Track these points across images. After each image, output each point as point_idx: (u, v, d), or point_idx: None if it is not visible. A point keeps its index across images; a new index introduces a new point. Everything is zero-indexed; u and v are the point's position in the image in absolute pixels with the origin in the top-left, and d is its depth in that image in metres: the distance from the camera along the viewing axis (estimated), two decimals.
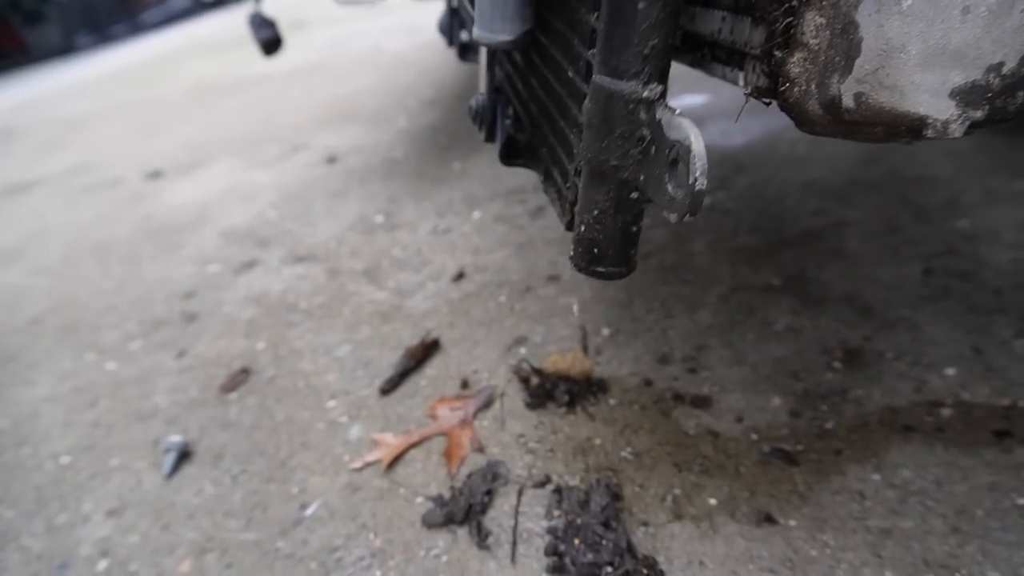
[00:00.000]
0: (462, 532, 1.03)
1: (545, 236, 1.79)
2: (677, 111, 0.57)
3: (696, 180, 0.52)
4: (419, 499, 1.10)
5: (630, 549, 0.93)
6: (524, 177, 2.17)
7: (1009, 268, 1.35)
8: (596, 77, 0.62)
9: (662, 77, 0.60)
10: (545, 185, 0.93)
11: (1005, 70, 0.58)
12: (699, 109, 2.40)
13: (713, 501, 1.00)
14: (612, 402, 1.21)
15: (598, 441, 1.14)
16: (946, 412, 1.07)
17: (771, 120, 2.22)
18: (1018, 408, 1.06)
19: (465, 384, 1.32)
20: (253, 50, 5.66)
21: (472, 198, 2.09)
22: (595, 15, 0.69)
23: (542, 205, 1.96)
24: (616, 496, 1.01)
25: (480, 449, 1.17)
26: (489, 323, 1.49)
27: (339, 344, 1.52)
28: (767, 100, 0.66)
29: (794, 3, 0.59)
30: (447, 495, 1.09)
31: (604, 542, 0.93)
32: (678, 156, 0.55)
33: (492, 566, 0.97)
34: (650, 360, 1.29)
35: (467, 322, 1.51)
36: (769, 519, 0.96)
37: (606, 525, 0.96)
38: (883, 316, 1.29)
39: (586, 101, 0.64)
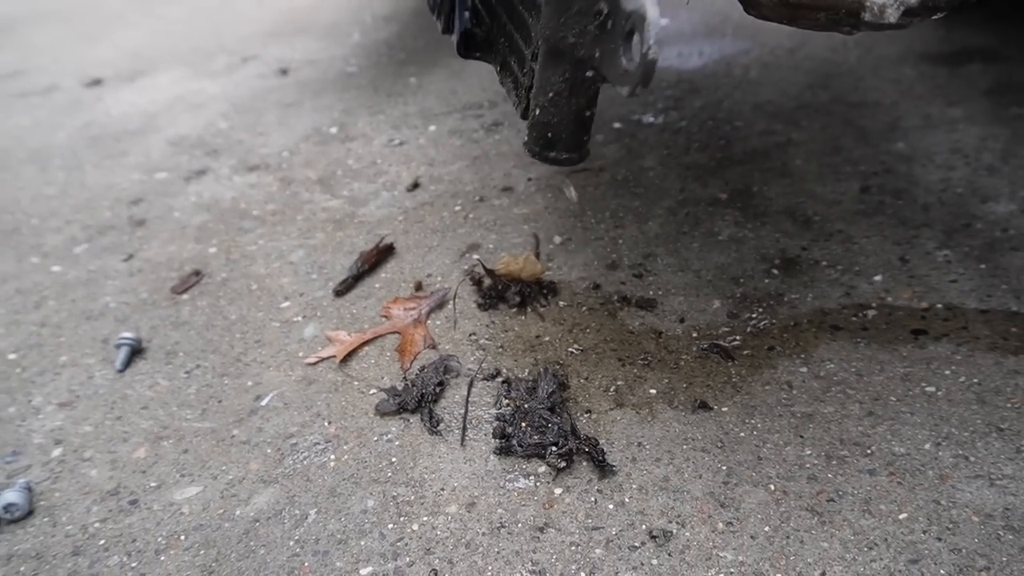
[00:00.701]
0: (414, 419, 1.07)
1: (500, 150, 1.79)
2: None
3: (650, 48, 0.54)
4: (372, 391, 1.13)
5: (574, 431, 0.99)
6: (480, 92, 2.15)
7: (938, 187, 1.43)
8: None
9: None
10: (501, 76, 0.94)
11: None
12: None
13: (653, 391, 1.07)
14: (562, 304, 1.26)
15: (547, 338, 1.19)
16: (871, 313, 1.15)
17: (727, 44, 2.24)
18: (934, 310, 1.14)
19: (419, 286, 1.35)
20: None
21: (428, 112, 2.07)
22: None
23: (498, 120, 1.95)
24: (562, 385, 1.06)
25: (432, 346, 1.20)
26: (443, 231, 1.50)
27: (293, 249, 1.52)
28: None
29: None
30: (400, 387, 1.13)
31: (550, 425, 0.99)
32: (633, 26, 0.57)
33: (442, 448, 1.02)
34: (599, 266, 1.33)
35: (421, 229, 1.52)
36: (704, 406, 1.03)
37: (552, 410, 1.01)
38: (820, 228, 1.36)
39: None
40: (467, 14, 0.98)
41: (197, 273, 1.47)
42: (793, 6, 0.64)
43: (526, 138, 0.74)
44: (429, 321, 1.26)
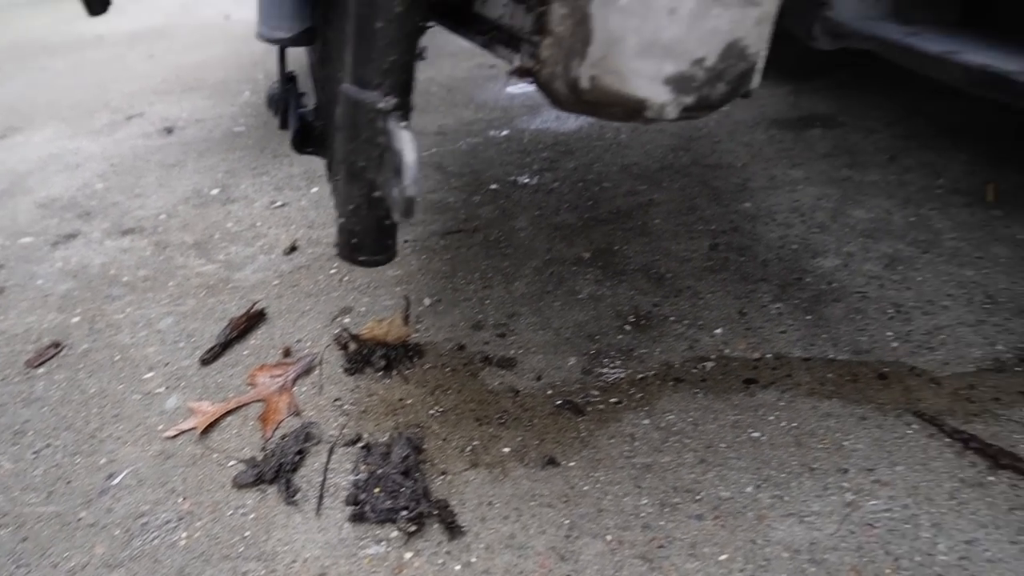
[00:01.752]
0: (272, 491, 1.07)
1: None
2: (403, 124, 0.65)
3: (407, 188, 0.60)
4: (232, 462, 1.13)
5: (426, 494, 1.01)
6: None
7: (776, 243, 1.56)
8: (344, 85, 0.68)
9: (403, 89, 0.67)
10: (328, 174, 0.99)
11: (707, 64, 0.70)
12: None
13: (507, 449, 1.11)
14: (427, 366, 1.29)
15: (409, 401, 1.22)
16: (709, 365, 1.25)
17: None
18: (765, 360, 1.25)
19: (287, 353, 1.36)
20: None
21: (312, 173, 2.10)
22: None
23: None
24: (417, 448, 1.09)
25: (297, 413, 1.21)
26: (317, 294, 1.52)
27: (161, 317, 1.50)
28: (528, 80, 0.75)
29: None
30: (260, 457, 1.13)
31: (402, 490, 1.01)
32: (399, 164, 0.62)
33: (298, 519, 1.02)
34: (465, 327, 1.38)
35: (295, 294, 1.53)
36: (552, 462, 1.08)
37: (405, 474, 1.04)
38: (672, 285, 1.46)
39: (338, 106, 0.71)
40: (305, 110, 1.03)
41: (56, 345, 1.42)
42: (588, 103, 0.72)
43: (335, 241, 0.79)
44: (296, 388, 1.27)
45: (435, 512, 0.99)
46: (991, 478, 1.00)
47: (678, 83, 0.68)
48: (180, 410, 1.24)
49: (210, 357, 1.35)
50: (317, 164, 2.15)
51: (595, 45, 0.65)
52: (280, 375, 1.29)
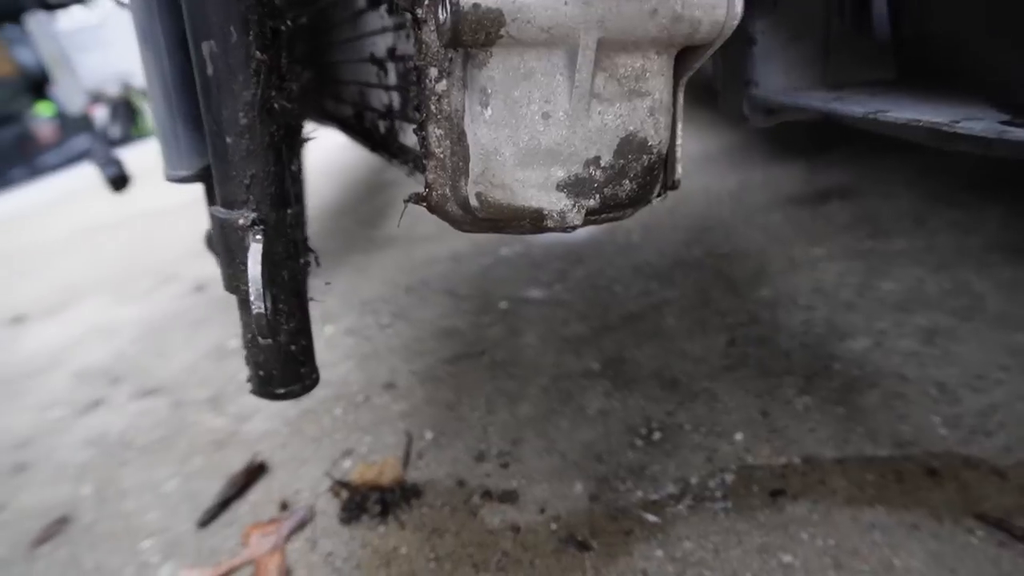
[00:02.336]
0: None
1: (390, 344, 1.81)
2: (256, 236, 0.62)
3: (252, 300, 0.55)
4: None
5: None
6: (381, 287, 2.21)
7: (800, 330, 1.44)
8: (211, 208, 0.66)
9: (274, 203, 0.65)
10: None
11: (604, 163, 0.65)
12: None
13: None
14: (424, 507, 1.20)
15: (404, 550, 1.12)
16: (729, 478, 1.11)
17: None
18: (792, 465, 1.11)
19: (284, 506, 1.29)
20: (152, 185, 5.70)
21: (328, 314, 2.11)
22: None
23: (395, 313, 1.99)
24: None
25: (287, 574, 1.13)
26: (320, 438, 1.47)
27: (168, 479, 1.47)
28: (423, 204, 0.71)
29: (423, 117, 0.65)
30: None
31: None
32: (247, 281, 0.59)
33: None
34: (467, 459, 1.29)
35: (299, 440, 1.49)
36: None
37: None
38: (687, 389, 1.35)
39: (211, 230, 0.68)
40: None
41: (62, 520, 1.40)
42: (485, 220, 0.67)
43: (248, 377, 0.74)
44: (290, 544, 1.20)
45: None
46: None
47: (575, 187, 0.63)
48: None
49: (207, 519, 1.30)
50: (333, 303, 2.18)
51: (475, 161, 0.62)
52: (272, 532, 1.22)
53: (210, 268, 2.87)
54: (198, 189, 0.90)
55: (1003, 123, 0.60)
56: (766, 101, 0.71)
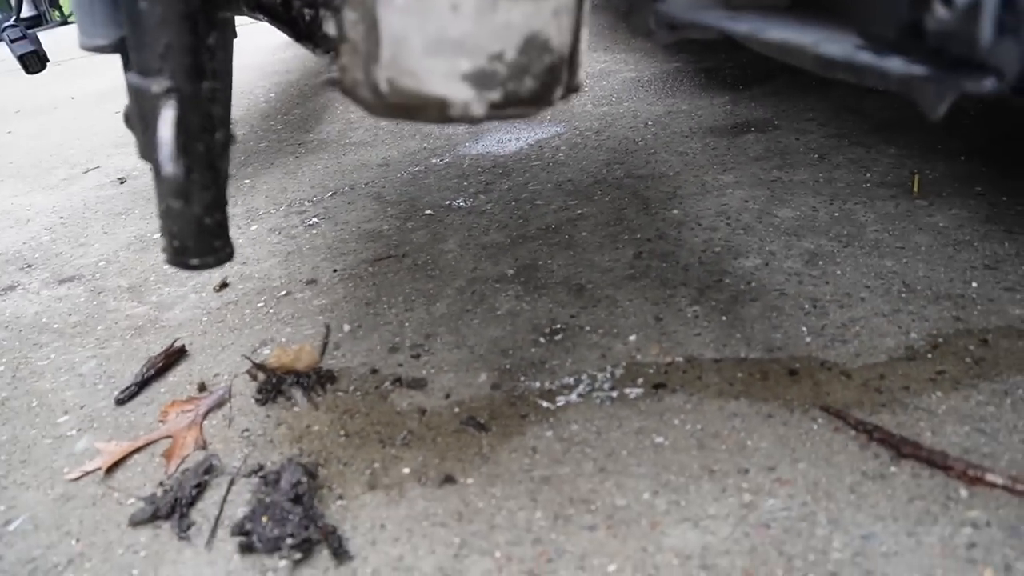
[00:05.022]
0: (167, 526, 1.05)
1: (314, 243, 1.84)
2: (169, 103, 0.64)
3: (162, 166, 0.59)
4: (131, 500, 1.11)
5: (314, 520, 0.99)
6: (309, 189, 2.21)
7: (701, 248, 1.55)
8: (127, 75, 0.68)
9: (187, 75, 0.67)
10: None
11: (508, 58, 0.69)
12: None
13: (406, 470, 1.09)
14: (339, 392, 1.28)
15: (316, 427, 1.20)
16: (619, 372, 1.22)
17: (543, 129, 2.40)
18: (676, 363, 1.23)
19: (202, 387, 1.34)
20: (72, 72, 5.35)
21: (254, 212, 2.11)
22: None
23: (320, 214, 2.01)
24: (311, 474, 1.07)
25: (203, 447, 1.19)
26: (241, 328, 1.52)
27: (85, 360, 1.49)
28: (336, 88, 0.75)
29: (339, 2, 0.68)
30: (159, 493, 1.11)
31: (290, 517, 0.99)
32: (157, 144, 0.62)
33: (188, 554, 1.00)
34: (381, 351, 1.37)
35: (220, 329, 1.53)
36: (450, 480, 1.06)
37: (295, 501, 1.02)
38: (591, 295, 1.45)
39: (128, 101, 0.71)
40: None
41: None
42: (396, 106, 0.72)
43: (163, 247, 0.78)
44: (207, 422, 1.26)
45: (322, 538, 0.96)
46: (893, 469, 0.97)
47: (478, 79, 0.68)
48: (89, 452, 1.23)
49: (125, 397, 1.34)
50: (260, 202, 2.17)
51: (385, 47, 0.66)
52: (191, 409, 1.28)
53: (133, 159, 2.78)
54: (121, 77, 0.90)
55: (857, 47, 0.68)
56: (670, 17, 0.76)
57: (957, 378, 1.10)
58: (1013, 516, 0.88)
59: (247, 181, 2.37)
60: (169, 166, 0.60)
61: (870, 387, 1.11)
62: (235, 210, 2.14)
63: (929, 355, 1.15)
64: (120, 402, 1.34)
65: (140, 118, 0.67)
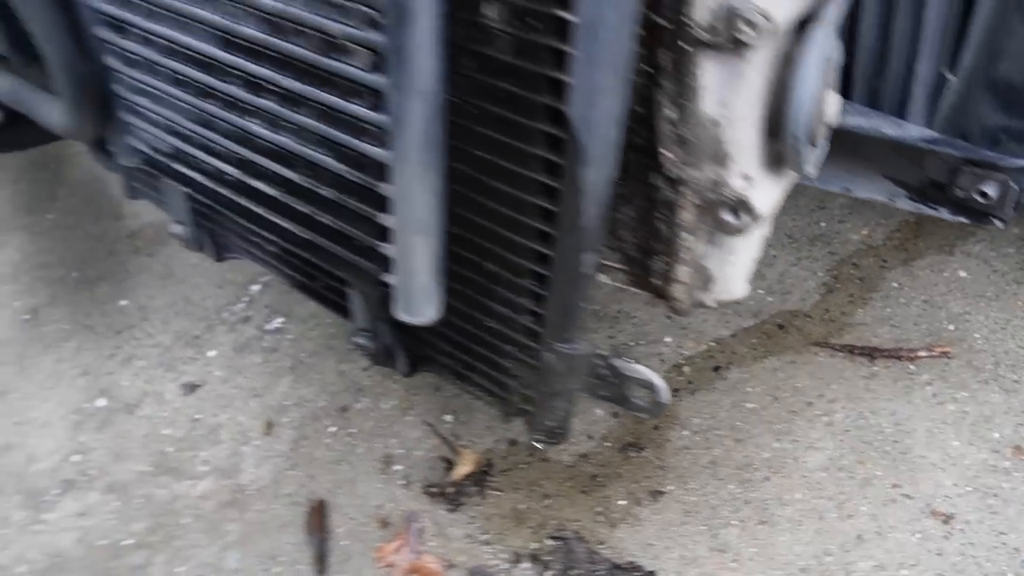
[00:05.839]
0: None
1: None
2: None
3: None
4: None
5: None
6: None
7: None
8: None
9: None
10: None
11: None
12: None
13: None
14: (503, 472, 1.54)
15: (522, 506, 1.48)
16: (667, 367, 1.71)
17: None
18: (709, 348, 1.75)
19: (384, 523, 1.48)
20: None
21: None
22: None
23: None
24: (580, 539, 1.39)
25: (451, 566, 1.39)
26: (339, 461, 1.61)
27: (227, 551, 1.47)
28: None
29: None
30: None
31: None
32: None
33: None
34: (494, 423, 1.62)
35: (327, 468, 1.60)
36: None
37: (591, 562, 1.34)
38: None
39: None
40: None
41: None
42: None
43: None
44: (422, 546, 1.43)
45: None
46: (875, 368, 1.65)
47: None
48: None
49: (321, 568, 1.42)
50: None
51: None
52: (403, 543, 1.43)
53: None
54: None
55: None
56: None
57: (862, 295, 1.81)
58: (940, 368, 1.61)
59: None
60: None
61: (825, 319, 1.78)
62: None
63: (838, 285, 1.85)
64: (320, 573, 1.41)
65: None
